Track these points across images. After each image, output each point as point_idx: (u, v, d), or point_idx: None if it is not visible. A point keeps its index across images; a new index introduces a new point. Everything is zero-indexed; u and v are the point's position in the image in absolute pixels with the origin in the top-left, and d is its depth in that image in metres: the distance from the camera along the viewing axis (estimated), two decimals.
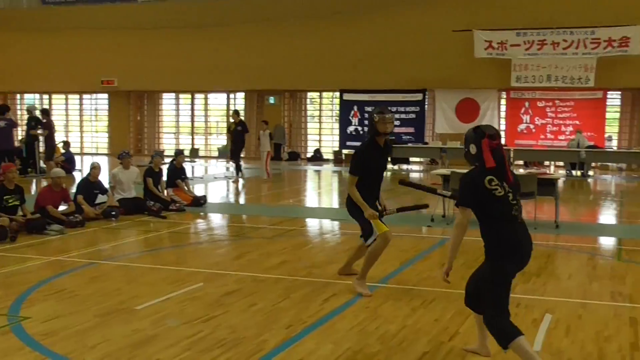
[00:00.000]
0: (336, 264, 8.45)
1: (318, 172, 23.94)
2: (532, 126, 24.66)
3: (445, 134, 25.24)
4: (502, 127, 25.40)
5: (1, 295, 6.89)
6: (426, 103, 26.08)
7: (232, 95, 29.83)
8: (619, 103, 24.55)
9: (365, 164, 6.87)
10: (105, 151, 30.91)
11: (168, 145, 30.14)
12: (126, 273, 8.15)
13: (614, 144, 24.13)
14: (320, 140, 28.98)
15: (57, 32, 29.59)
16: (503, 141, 24.31)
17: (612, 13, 22.32)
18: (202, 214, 12.93)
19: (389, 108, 7.69)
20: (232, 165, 20.47)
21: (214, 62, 27.52)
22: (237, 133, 19.29)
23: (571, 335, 5.89)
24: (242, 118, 20.41)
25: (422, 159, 26.14)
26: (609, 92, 23.96)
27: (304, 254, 9.26)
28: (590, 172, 21.66)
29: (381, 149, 6.99)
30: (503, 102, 25.35)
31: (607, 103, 24.13)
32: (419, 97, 26.07)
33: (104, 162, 19.75)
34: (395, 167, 23.98)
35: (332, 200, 16.57)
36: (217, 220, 12.73)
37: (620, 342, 5.70)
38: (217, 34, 27.73)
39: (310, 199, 16.77)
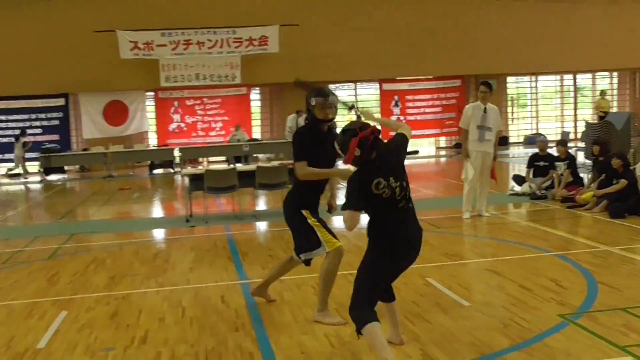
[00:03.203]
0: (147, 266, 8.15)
1: None
2: (183, 125, 25.16)
3: (95, 139, 24.35)
4: (153, 127, 25.49)
5: None
6: (70, 108, 24.85)
7: None
8: (259, 97, 26.40)
9: (308, 150, 5.81)
10: None
11: None
12: None
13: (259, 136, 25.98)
14: None
15: None
16: (156, 142, 24.73)
17: (252, 14, 23.87)
18: None
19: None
20: None
21: None
22: None
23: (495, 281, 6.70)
24: None
25: (71, 167, 24.79)
26: (252, 88, 25.64)
27: (115, 267, 8.53)
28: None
29: (325, 137, 5.88)
30: (152, 102, 25.37)
31: (251, 98, 25.83)
32: (61, 102, 24.67)
33: None
34: (52, 177, 22.39)
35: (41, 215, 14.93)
36: None
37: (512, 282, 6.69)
38: None
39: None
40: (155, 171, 22.78)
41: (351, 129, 4.59)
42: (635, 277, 7.05)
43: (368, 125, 4.62)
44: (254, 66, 24.04)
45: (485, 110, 10.52)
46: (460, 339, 5.30)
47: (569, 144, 14.24)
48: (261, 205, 12.33)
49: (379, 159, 4.54)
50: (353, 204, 4.46)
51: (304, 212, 5.91)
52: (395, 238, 4.61)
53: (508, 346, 5.11)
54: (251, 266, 8.24)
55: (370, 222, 4.67)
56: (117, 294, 7.28)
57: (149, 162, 23.33)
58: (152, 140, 25.66)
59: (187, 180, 12.22)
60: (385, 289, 4.94)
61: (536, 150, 13.00)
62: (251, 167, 12.33)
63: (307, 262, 6.04)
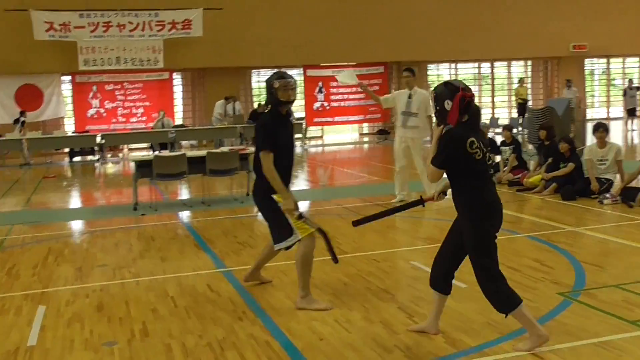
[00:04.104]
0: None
1: None
2: (102, 110, 24.33)
3: (6, 124, 23.17)
4: (70, 113, 24.54)
5: None
6: None
7: None
8: (181, 83, 25.80)
9: (275, 138, 5.67)
10: None
11: None
12: None
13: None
14: None
15: None
16: (73, 128, 23.74)
17: None
18: None
19: None
20: None
21: None
22: None
23: None
24: None
25: None
26: (174, 73, 25.03)
27: (77, 258, 8.15)
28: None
29: (286, 121, 5.90)
30: (69, 87, 24.39)
31: (174, 83, 25.22)
32: None
33: None
34: None
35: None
36: None
37: None
38: None
39: None
40: (75, 159, 21.89)
41: (454, 84, 4.58)
42: (611, 255, 7.33)
43: (468, 87, 4.62)
44: (177, 50, 23.53)
45: (410, 96, 10.51)
46: (475, 320, 5.32)
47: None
48: (209, 191, 12.05)
49: (471, 120, 4.58)
50: (440, 162, 4.55)
51: (274, 196, 5.72)
52: (494, 202, 4.62)
53: None
54: (223, 254, 8.05)
55: (460, 191, 4.63)
56: (93, 286, 6.94)
57: (67, 149, 22.38)
58: (69, 127, 24.70)
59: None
60: (448, 281, 4.96)
61: None
62: (201, 153, 12.03)
63: (287, 247, 5.90)
